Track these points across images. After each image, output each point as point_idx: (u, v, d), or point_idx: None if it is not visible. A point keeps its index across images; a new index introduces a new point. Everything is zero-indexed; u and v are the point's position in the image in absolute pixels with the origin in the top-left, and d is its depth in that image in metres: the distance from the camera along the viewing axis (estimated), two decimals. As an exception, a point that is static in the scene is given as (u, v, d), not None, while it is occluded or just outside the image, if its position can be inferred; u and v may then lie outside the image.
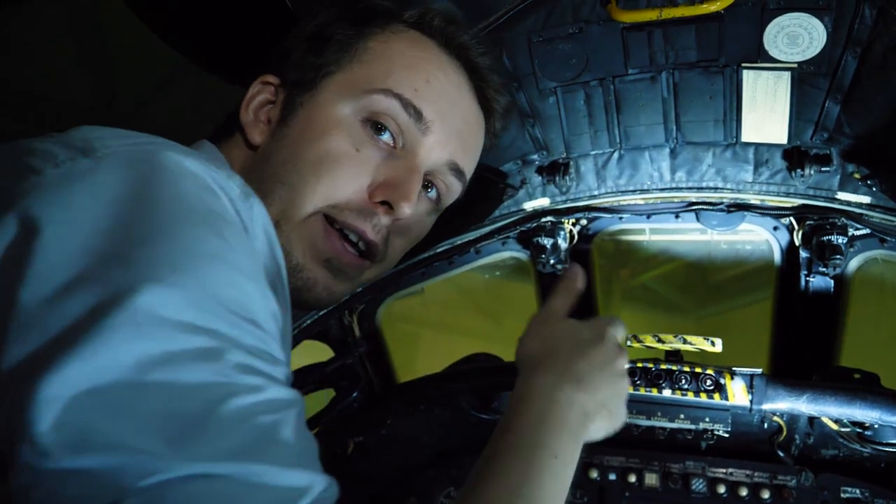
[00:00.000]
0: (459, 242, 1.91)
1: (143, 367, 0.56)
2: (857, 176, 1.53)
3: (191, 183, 0.71)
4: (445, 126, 1.05)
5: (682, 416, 1.62)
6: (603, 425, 0.98)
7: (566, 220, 1.90)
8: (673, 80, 1.50)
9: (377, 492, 1.85)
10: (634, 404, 1.63)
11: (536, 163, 1.76)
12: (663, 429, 1.70)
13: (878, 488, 1.56)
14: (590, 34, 1.42)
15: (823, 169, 1.53)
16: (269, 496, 0.57)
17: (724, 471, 1.65)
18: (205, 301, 0.62)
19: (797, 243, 1.75)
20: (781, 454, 1.64)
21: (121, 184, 0.66)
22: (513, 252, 2.02)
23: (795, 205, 1.68)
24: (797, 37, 1.33)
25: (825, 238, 1.66)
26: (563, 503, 0.86)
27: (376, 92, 1.00)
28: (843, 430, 1.59)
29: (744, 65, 1.43)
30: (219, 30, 1.35)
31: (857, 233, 1.68)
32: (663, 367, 1.63)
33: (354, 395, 1.97)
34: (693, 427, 1.63)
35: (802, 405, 1.49)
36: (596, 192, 1.79)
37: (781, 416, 1.62)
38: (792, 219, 1.75)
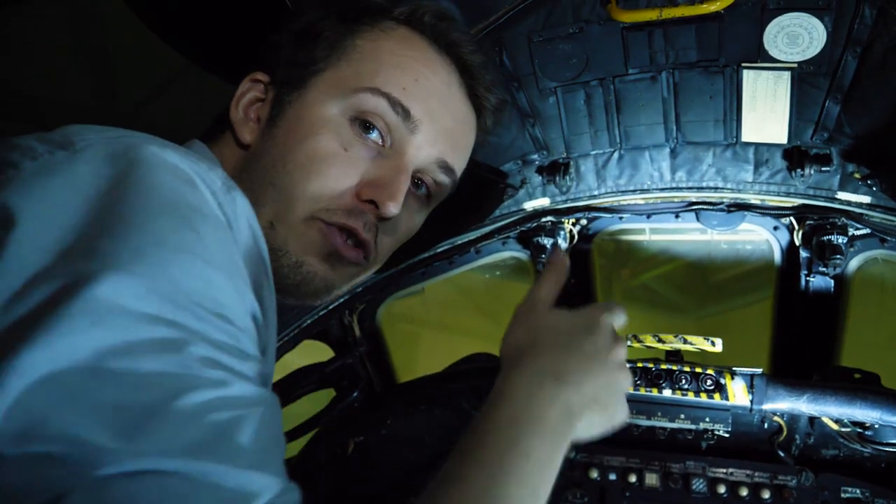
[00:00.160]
0: (459, 242, 1.90)
1: (99, 356, 0.54)
2: (857, 176, 1.53)
3: (168, 175, 0.69)
4: (434, 124, 1.04)
5: (682, 416, 1.63)
6: (596, 421, 0.89)
7: (566, 220, 1.90)
8: (673, 79, 1.50)
9: (377, 492, 1.85)
10: (634, 404, 1.63)
11: (536, 163, 1.76)
12: (663, 429, 1.70)
13: (879, 488, 1.56)
14: (590, 34, 1.42)
15: (823, 169, 1.53)
16: (216, 497, 0.53)
17: (724, 471, 1.64)
18: (169, 291, 0.60)
19: (797, 243, 1.75)
20: (782, 454, 1.64)
21: (96, 175, 0.65)
22: (513, 252, 2.02)
23: (795, 204, 1.68)
24: (797, 37, 1.33)
25: (825, 238, 1.66)
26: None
27: (364, 91, 0.98)
28: (843, 430, 1.59)
29: (744, 65, 1.43)
30: (219, 30, 1.35)
31: (858, 232, 1.68)
32: (663, 367, 1.63)
33: (354, 395, 1.97)
34: (693, 427, 1.63)
35: (803, 405, 1.50)
36: (596, 192, 1.79)
37: (782, 416, 1.62)
38: (792, 219, 1.75)
